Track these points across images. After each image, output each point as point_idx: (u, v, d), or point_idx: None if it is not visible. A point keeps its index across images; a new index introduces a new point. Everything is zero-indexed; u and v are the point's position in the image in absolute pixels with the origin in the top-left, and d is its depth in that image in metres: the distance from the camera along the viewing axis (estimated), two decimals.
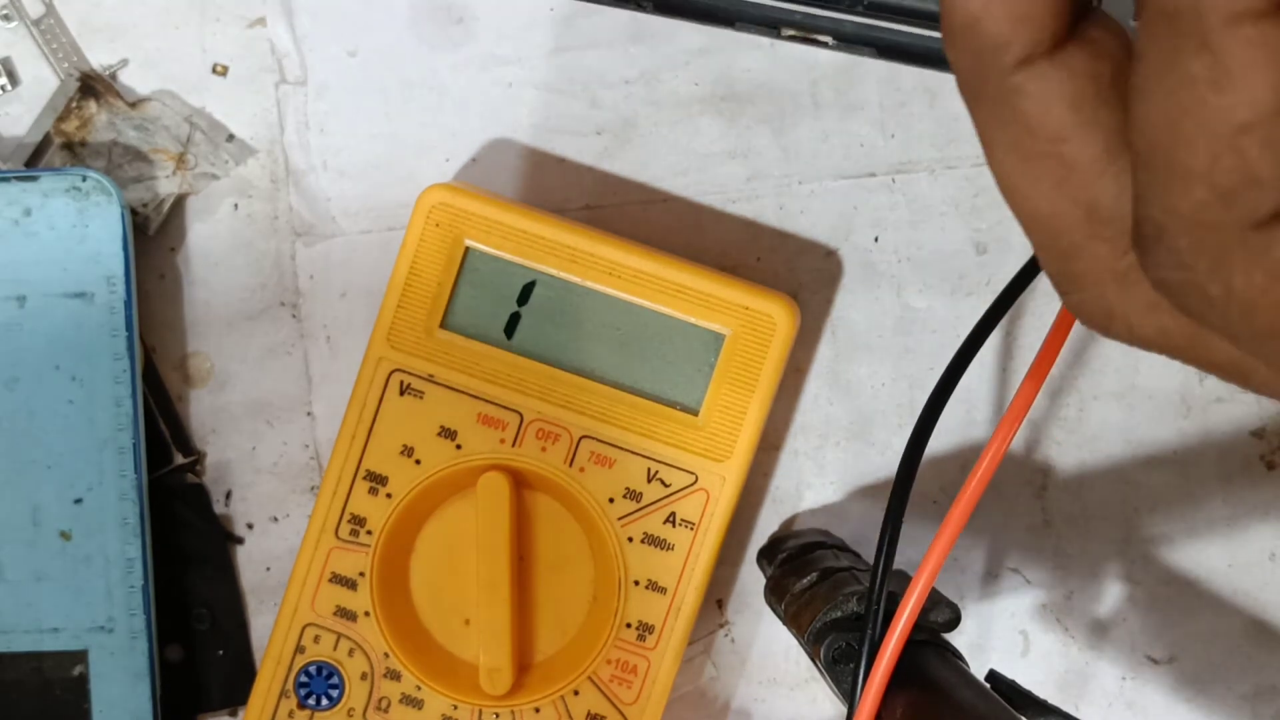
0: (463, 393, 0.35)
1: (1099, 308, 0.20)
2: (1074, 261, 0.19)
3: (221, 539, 0.39)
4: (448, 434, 0.35)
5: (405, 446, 0.35)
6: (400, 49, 0.38)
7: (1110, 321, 0.20)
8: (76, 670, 0.37)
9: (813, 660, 0.33)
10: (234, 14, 0.38)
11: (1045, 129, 0.18)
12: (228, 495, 0.39)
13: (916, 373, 0.38)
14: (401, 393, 0.35)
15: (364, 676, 0.36)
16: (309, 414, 0.39)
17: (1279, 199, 0.16)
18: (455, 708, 0.35)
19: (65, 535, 0.36)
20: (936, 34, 0.23)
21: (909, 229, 0.38)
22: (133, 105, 0.37)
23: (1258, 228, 0.17)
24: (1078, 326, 0.38)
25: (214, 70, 0.38)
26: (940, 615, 0.32)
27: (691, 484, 0.35)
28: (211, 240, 0.38)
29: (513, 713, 0.36)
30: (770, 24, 0.23)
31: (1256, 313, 0.17)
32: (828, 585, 0.34)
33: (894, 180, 0.38)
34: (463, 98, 0.38)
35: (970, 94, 0.19)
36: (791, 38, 0.23)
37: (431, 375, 0.35)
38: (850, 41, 0.22)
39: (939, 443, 0.38)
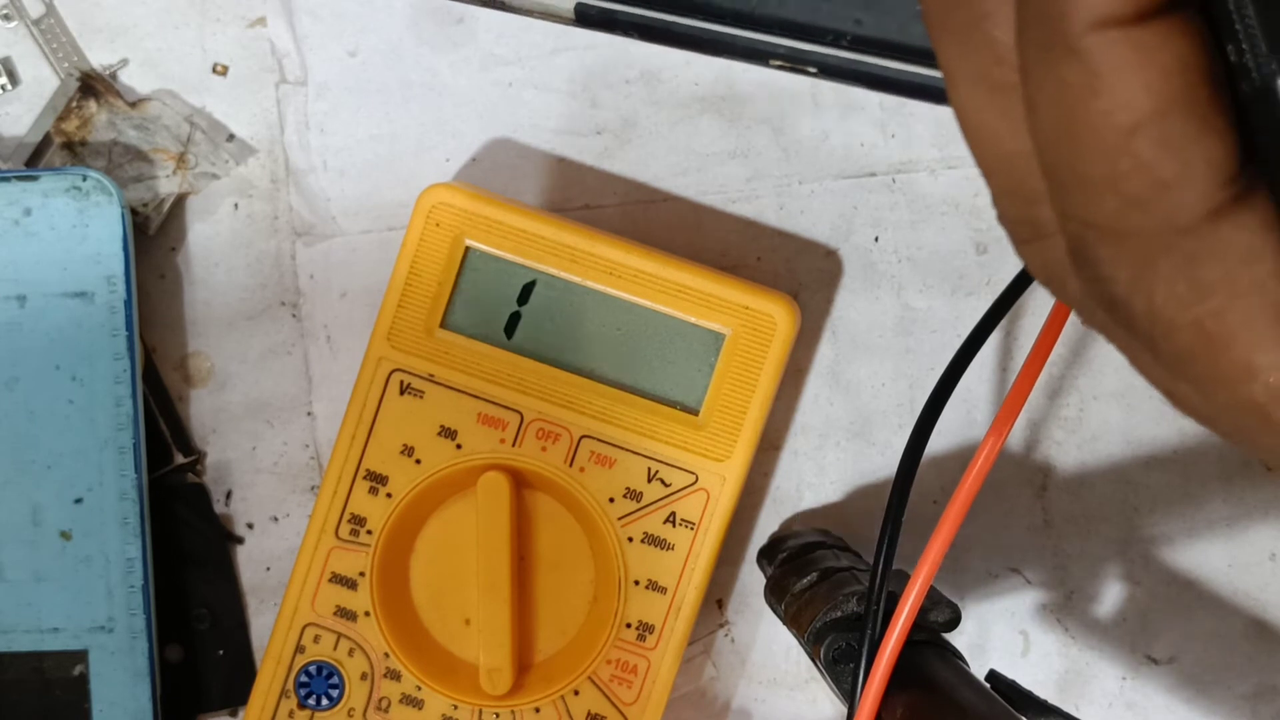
0: (463, 392, 0.35)
1: (1058, 259, 0.18)
2: (1038, 206, 0.18)
3: (221, 539, 0.39)
4: (448, 434, 0.35)
5: (405, 446, 0.35)
6: (400, 49, 0.38)
7: (1068, 277, 0.19)
8: (77, 670, 0.37)
9: (813, 660, 0.33)
10: (234, 14, 0.38)
11: (1014, 57, 0.17)
12: (228, 495, 0.39)
13: (917, 372, 0.38)
14: (401, 392, 0.35)
15: (364, 676, 0.36)
16: (309, 414, 0.39)
17: (1197, 201, 0.15)
18: (455, 708, 0.35)
19: (65, 535, 0.36)
20: (923, 70, 0.23)
21: (909, 229, 0.38)
22: (133, 105, 0.37)
23: (1182, 233, 0.16)
24: (1074, 324, 0.38)
25: (214, 70, 0.38)
26: (940, 615, 0.32)
27: (692, 484, 0.35)
28: (212, 240, 0.38)
29: (513, 713, 0.35)
30: (757, 56, 0.22)
31: (1176, 332, 0.16)
32: (828, 585, 0.34)
33: (894, 180, 0.38)
34: (463, 98, 0.38)
35: (936, 21, 0.18)
36: (780, 68, 0.23)
37: (432, 375, 0.35)
38: (836, 75, 0.21)
39: (939, 442, 0.38)
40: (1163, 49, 0.15)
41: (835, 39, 0.21)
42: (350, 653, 0.36)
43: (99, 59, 0.38)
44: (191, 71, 0.38)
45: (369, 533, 0.35)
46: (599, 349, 0.35)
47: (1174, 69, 0.15)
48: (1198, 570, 0.39)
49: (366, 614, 0.35)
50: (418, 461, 0.35)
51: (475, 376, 0.35)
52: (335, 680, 0.36)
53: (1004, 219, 0.19)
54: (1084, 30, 0.15)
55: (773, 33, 0.22)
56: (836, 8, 0.20)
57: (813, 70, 0.21)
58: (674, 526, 0.35)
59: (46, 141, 0.38)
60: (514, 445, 0.35)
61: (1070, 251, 0.17)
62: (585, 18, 0.23)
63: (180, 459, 0.38)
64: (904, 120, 0.37)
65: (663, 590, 0.35)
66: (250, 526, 0.39)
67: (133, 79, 0.38)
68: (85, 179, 0.36)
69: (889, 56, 0.20)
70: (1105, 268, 0.17)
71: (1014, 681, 0.31)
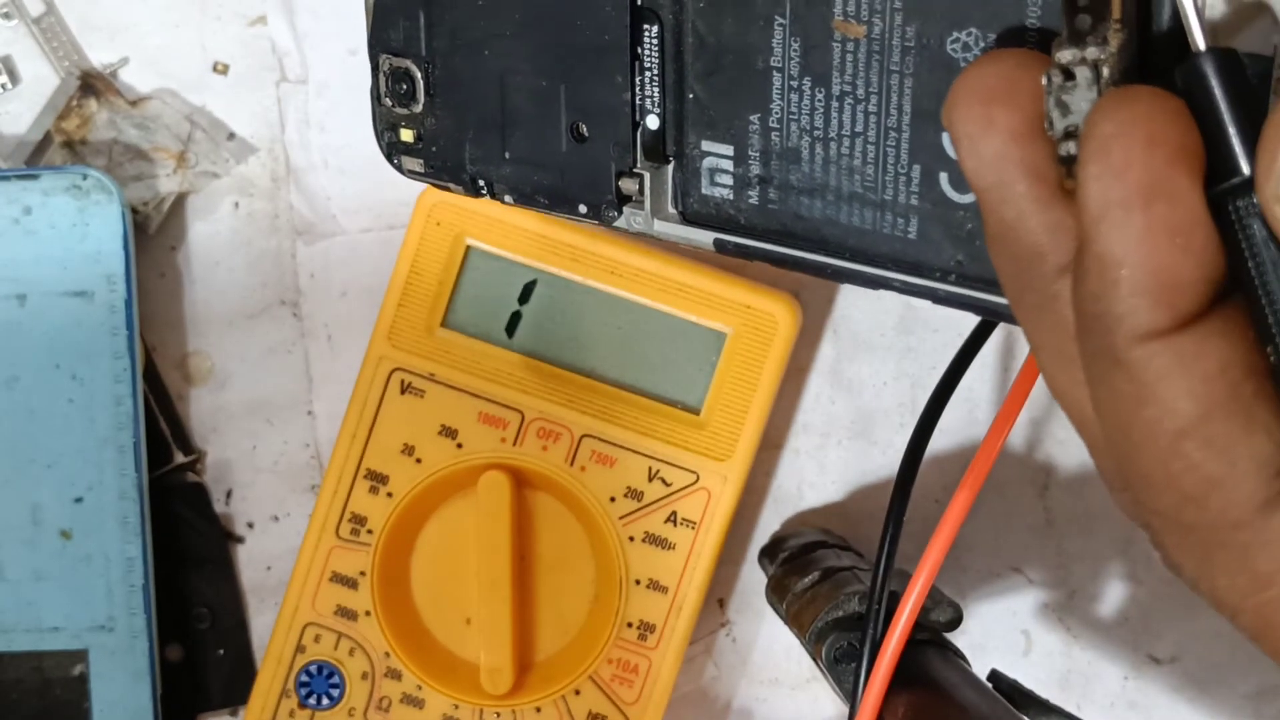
0: (463, 391, 0.35)
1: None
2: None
3: (222, 538, 0.39)
4: (448, 433, 0.35)
5: (406, 445, 0.35)
6: None
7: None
8: (77, 670, 0.37)
9: (814, 660, 0.33)
10: (235, 12, 0.38)
11: None
12: (228, 494, 0.39)
13: (918, 371, 0.38)
14: (402, 391, 0.35)
15: (365, 676, 0.36)
16: (309, 413, 0.39)
17: (1247, 497, 0.16)
18: (456, 707, 0.35)
19: (65, 534, 0.36)
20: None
21: None
22: (133, 103, 0.37)
23: (1236, 527, 0.16)
24: None
25: (214, 68, 0.38)
26: (942, 615, 0.32)
27: (693, 483, 0.35)
28: (212, 239, 0.38)
29: (514, 712, 0.35)
30: (876, 285, 0.24)
31: (1239, 615, 0.17)
32: (829, 585, 0.34)
33: None
34: None
35: (1014, 298, 0.19)
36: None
37: (432, 374, 0.35)
38: (948, 304, 0.23)
39: (941, 442, 0.38)
40: (1202, 356, 0.16)
41: (942, 275, 0.23)
42: (351, 652, 0.36)
43: (99, 57, 0.38)
44: (192, 70, 0.38)
45: (369, 532, 0.35)
46: (600, 348, 0.35)
47: (1214, 374, 0.16)
48: None
49: (367, 613, 0.35)
50: (418, 461, 0.35)
51: (476, 376, 0.35)
52: (336, 680, 0.36)
53: (1098, 469, 0.20)
54: (1129, 344, 0.16)
55: (887, 268, 0.23)
56: (939, 248, 0.22)
57: (927, 300, 0.23)
58: (675, 526, 0.35)
59: (47, 140, 0.38)
60: (515, 444, 0.35)
61: (1145, 529, 0.18)
62: (723, 248, 0.25)
63: (180, 458, 0.38)
64: None
65: (664, 590, 0.35)
66: (250, 526, 0.39)
67: (133, 77, 0.38)
68: (85, 178, 0.36)
69: (993, 291, 0.22)
70: (1171, 554, 0.18)
71: (1016, 681, 0.31)
